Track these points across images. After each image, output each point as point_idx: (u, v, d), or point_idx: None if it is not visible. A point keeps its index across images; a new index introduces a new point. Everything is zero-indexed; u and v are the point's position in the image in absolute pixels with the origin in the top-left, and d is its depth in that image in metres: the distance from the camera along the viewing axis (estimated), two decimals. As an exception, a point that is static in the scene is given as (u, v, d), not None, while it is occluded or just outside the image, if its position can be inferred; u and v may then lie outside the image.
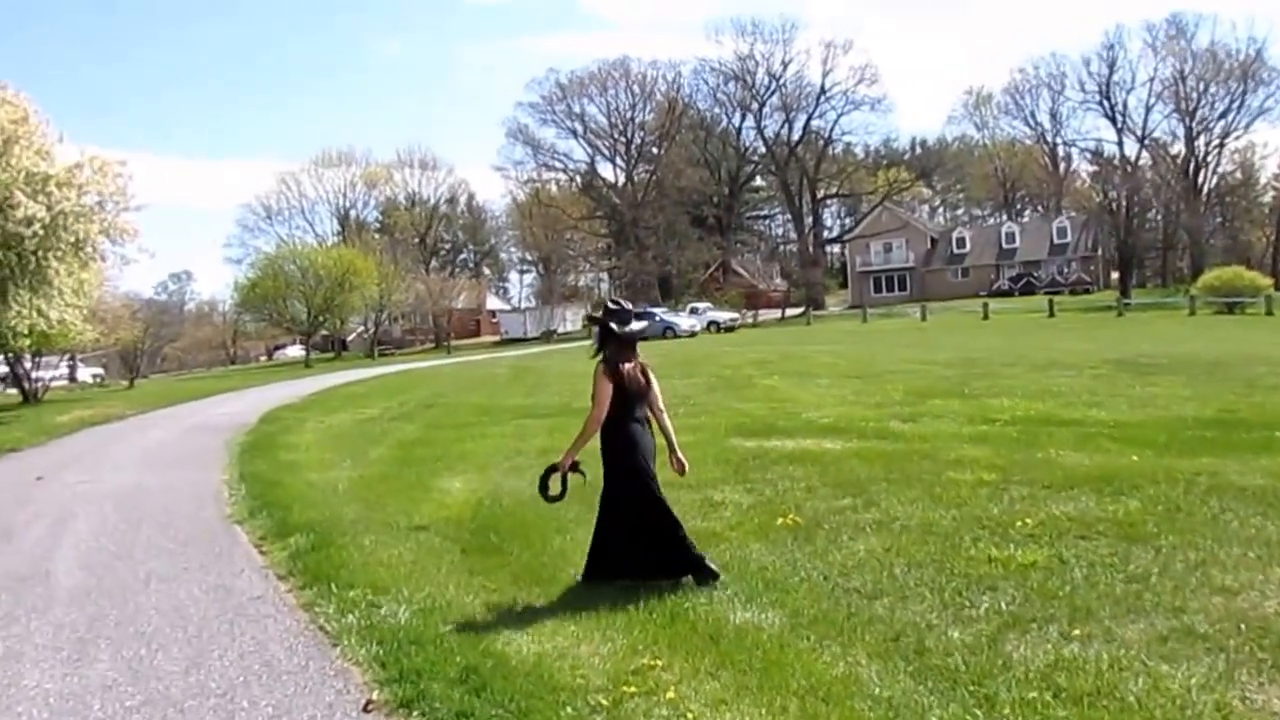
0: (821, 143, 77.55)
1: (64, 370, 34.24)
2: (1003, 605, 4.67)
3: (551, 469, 5.77)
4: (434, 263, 77.22)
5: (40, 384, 27.27)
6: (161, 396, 25.33)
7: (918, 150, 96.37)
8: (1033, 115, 79.24)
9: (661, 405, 5.72)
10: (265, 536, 7.35)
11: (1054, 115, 77.91)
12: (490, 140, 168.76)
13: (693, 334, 48.37)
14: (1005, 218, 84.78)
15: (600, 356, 5.53)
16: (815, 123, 75.98)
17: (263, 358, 71.07)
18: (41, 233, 12.81)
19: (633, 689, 3.97)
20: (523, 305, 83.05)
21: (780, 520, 6.52)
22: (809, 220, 79.35)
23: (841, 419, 11.35)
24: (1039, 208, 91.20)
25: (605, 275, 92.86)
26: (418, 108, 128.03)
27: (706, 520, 6.82)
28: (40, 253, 13.27)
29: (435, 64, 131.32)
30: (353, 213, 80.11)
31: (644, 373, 5.57)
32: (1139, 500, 6.48)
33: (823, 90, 74.02)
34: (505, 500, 7.99)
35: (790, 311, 68.33)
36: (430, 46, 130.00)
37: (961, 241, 76.14)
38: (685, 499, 7.56)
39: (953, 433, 9.80)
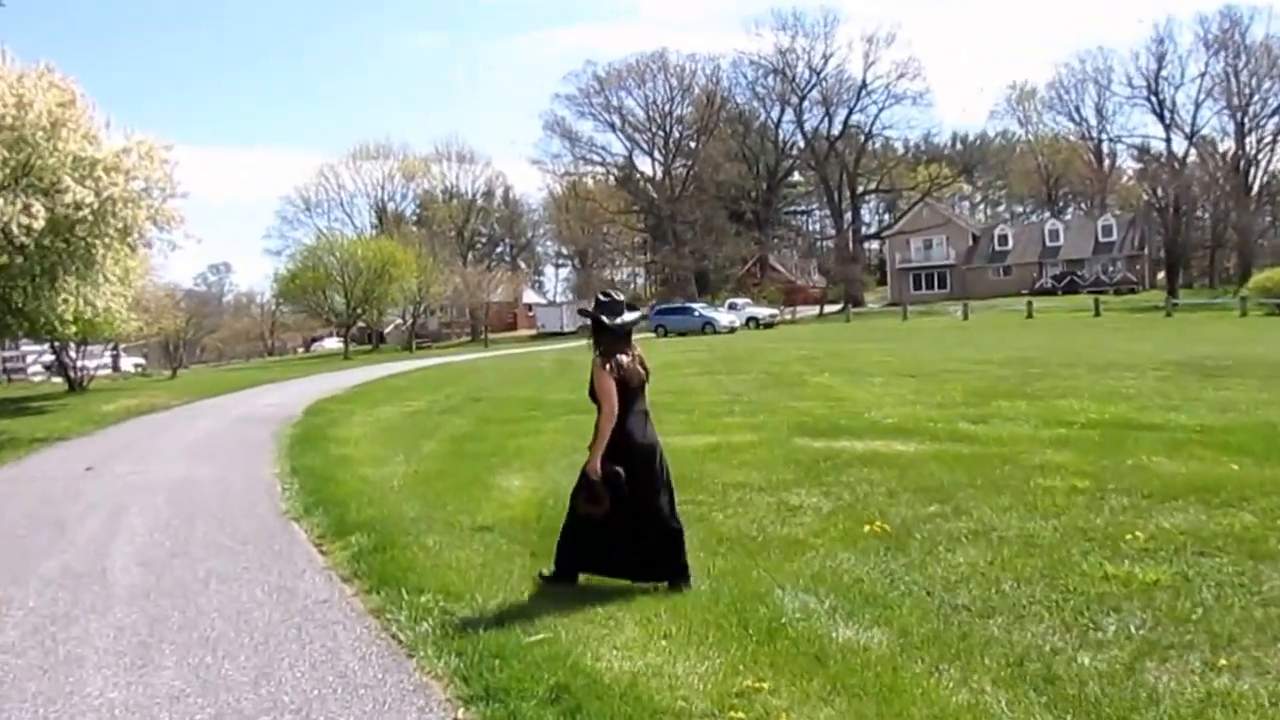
0: (862, 138, 76.69)
1: (107, 359, 34.48)
2: (1132, 628, 4.29)
3: (586, 482, 5.35)
4: (470, 256, 77.31)
5: (85, 373, 27.49)
6: (204, 387, 25.39)
7: (958, 146, 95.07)
8: (1077, 110, 77.95)
9: (646, 405, 5.57)
10: (324, 535, 7.11)
11: (1099, 111, 76.56)
12: (527, 134, 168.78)
13: (732, 329, 47.99)
14: (1048, 215, 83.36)
15: (598, 352, 5.38)
16: (855, 117, 75.27)
17: (300, 349, 71.58)
18: (90, 218, 12.67)
19: (740, 715, 3.64)
20: (558, 299, 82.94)
21: (867, 528, 6.16)
22: (848, 216, 78.52)
23: (907, 420, 10.95)
24: (1082, 205, 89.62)
25: (641, 270, 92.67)
26: (453, 101, 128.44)
27: (787, 526, 6.48)
28: (88, 239, 13.13)
29: (469, 57, 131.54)
30: (390, 205, 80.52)
31: (643, 364, 5.48)
32: (1253, 514, 6.05)
33: (864, 84, 73.26)
34: (567, 500, 7.68)
35: (828, 308, 67.71)
36: (464, 40, 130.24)
37: (1004, 239, 74.76)
38: (760, 501, 7.26)
39: (1029, 436, 9.37)
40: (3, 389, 30.65)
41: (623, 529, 5.25)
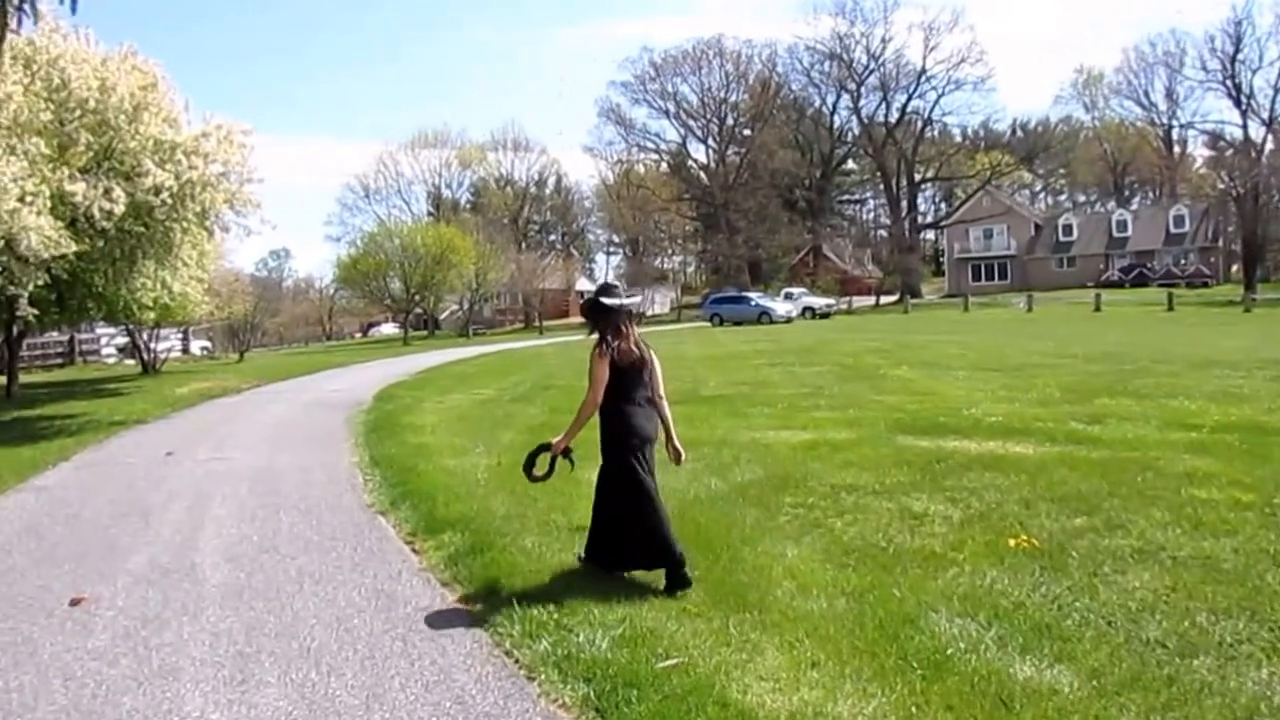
0: (920, 124, 75.03)
1: (175, 342, 34.85)
2: (1370, 674, 3.72)
3: (543, 447, 5.61)
4: (524, 244, 77.32)
5: (157, 355, 27.76)
6: (271, 371, 25.42)
7: (1018, 133, 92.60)
8: (1146, 95, 75.49)
9: (662, 392, 5.49)
10: (415, 532, 6.74)
11: (1170, 96, 74.02)
12: (580, 122, 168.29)
13: (788, 319, 47.14)
14: (1113, 204, 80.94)
15: (596, 339, 5.33)
16: (914, 103, 73.63)
17: (357, 334, 72.26)
18: (169, 202, 12.51)
19: (930, 772, 3.16)
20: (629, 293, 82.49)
21: (1012, 542, 5.61)
22: (904, 204, 76.95)
23: (1013, 418, 10.30)
24: (1150, 194, 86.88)
25: (692, 259, 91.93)
26: (511, 90, 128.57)
27: (916, 537, 5.94)
28: (167, 223, 12.98)
29: (526, 47, 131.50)
30: (446, 193, 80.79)
31: (639, 349, 5.33)
32: None
33: (923, 70, 71.60)
34: (671, 500, 7.18)
35: (884, 299, 66.52)
36: (521, 30, 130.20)
37: (1068, 229, 72.60)
38: (878, 506, 6.74)
39: (1157, 440, 8.68)
40: (79, 370, 31.12)
41: (624, 520, 5.26)
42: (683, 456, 5.74)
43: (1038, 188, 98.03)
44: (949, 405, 11.69)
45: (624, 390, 5.24)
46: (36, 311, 12.42)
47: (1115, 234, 69.56)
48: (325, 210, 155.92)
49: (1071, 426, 9.60)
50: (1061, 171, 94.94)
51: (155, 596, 5.38)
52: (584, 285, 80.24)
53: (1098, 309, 45.76)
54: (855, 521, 6.42)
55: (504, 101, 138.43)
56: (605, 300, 5.35)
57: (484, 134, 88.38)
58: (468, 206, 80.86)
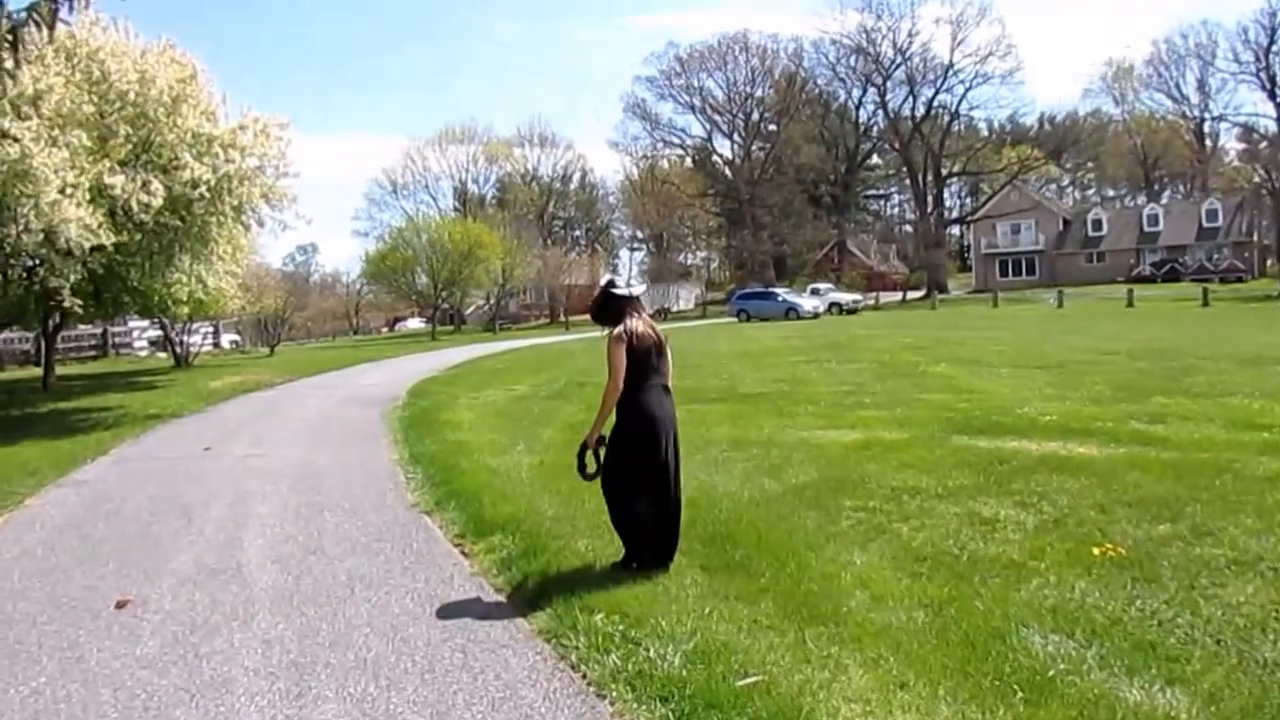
0: (947, 118, 74.12)
1: (205, 335, 34.99)
2: None
3: (584, 447, 5.50)
4: (548, 239, 77.23)
5: (190, 349, 27.83)
6: (302, 365, 25.40)
7: (1046, 127, 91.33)
8: (1178, 88, 74.28)
9: (671, 381, 5.49)
10: (464, 534, 6.54)
11: (1202, 88, 72.78)
12: (603, 118, 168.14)
13: (815, 315, 46.71)
14: (1143, 198, 79.72)
15: (608, 327, 5.33)
16: (941, 97, 72.65)
17: (384, 329, 72.45)
18: (207, 195, 12.38)
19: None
20: (634, 283, 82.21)
21: (1096, 550, 5.32)
22: (931, 200, 76.11)
23: (1068, 418, 9.96)
24: (1180, 188, 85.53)
25: (716, 254, 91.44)
26: (532, 87, 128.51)
27: (990, 544, 5.66)
28: (204, 216, 12.86)
29: (548, 43, 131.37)
30: (473, 188, 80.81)
31: (656, 332, 5.35)
32: None
33: (951, 64, 70.69)
34: (725, 502, 7.00)
35: (911, 294, 65.87)
36: (543, 25, 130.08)
37: (1098, 223, 71.47)
38: (944, 511, 6.46)
39: (1226, 440, 8.33)
40: (112, 363, 31.31)
41: (652, 506, 5.28)
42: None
43: (1065, 182, 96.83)
44: (999, 404, 11.37)
45: (638, 376, 5.20)
46: (80, 301, 12.33)
47: (1146, 229, 68.42)
48: (351, 206, 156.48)
49: (1133, 426, 9.27)
50: (1090, 166, 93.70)
51: (203, 599, 5.20)
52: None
53: (1130, 305, 44.93)
54: (922, 527, 6.15)
55: (529, 97, 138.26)
56: (614, 290, 5.40)
57: (510, 129, 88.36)
58: (493, 202, 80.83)
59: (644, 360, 5.20)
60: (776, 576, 5.29)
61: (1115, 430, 9.05)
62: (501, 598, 5.23)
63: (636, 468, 5.24)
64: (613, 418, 5.38)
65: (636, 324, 5.24)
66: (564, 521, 6.70)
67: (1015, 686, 3.75)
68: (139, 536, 6.62)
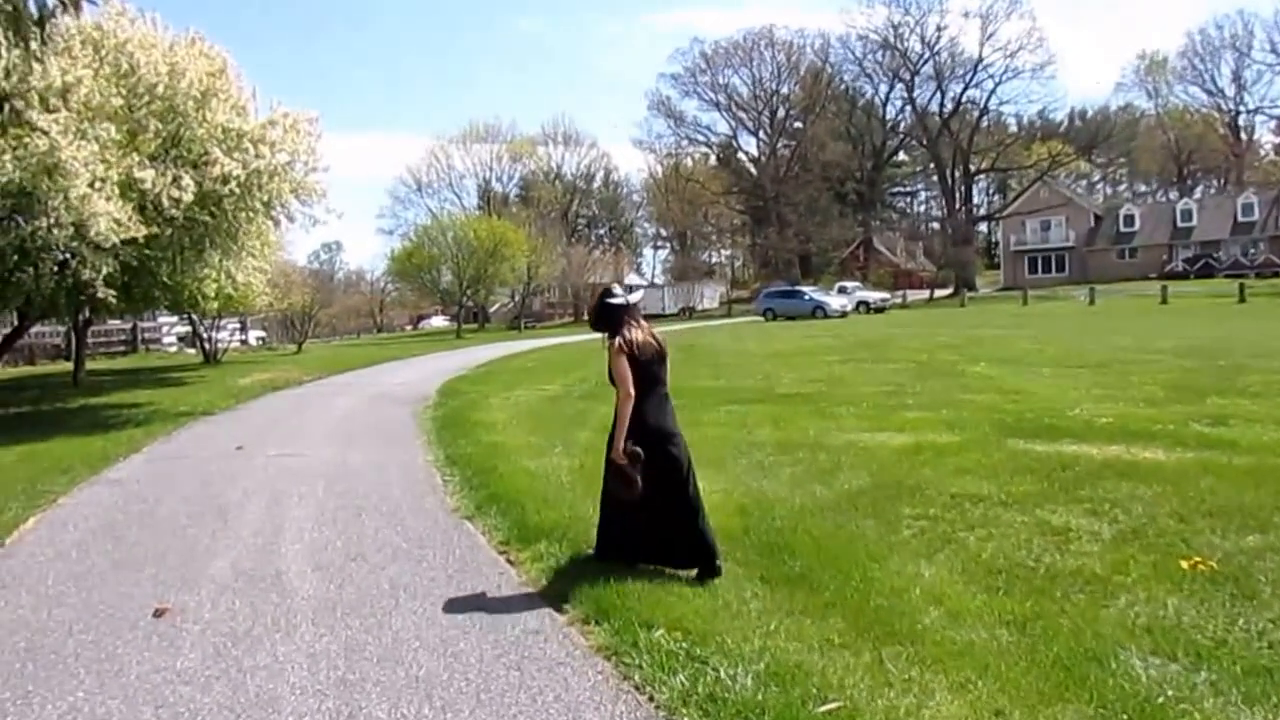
0: (977, 113, 73.26)
1: (233, 331, 35.07)
2: None
3: (616, 466, 5.26)
4: (572, 238, 77.14)
5: (218, 345, 27.85)
6: (330, 362, 25.32)
7: (1076, 122, 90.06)
8: (1213, 81, 73.12)
9: (667, 388, 5.49)
10: (508, 541, 6.28)
11: (1237, 80, 71.61)
12: (627, 115, 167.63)
13: (843, 314, 46.19)
14: (1175, 193, 78.49)
15: (608, 335, 5.31)
16: (970, 92, 71.88)
17: (408, 326, 72.54)
18: (238, 191, 12.22)
19: None
20: (655, 281, 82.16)
21: (1184, 564, 5.00)
22: (960, 196, 75.31)
23: (1125, 420, 9.60)
24: (1215, 183, 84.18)
25: (740, 252, 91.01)
26: (557, 84, 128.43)
27: (1066, 556, 5.35)
28: (234, 212, 12.71)
29: (572, 40, 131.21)
30: (496, 186, 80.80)
31: (657, 340, 5.35)
32: None
33: (980, 58, 69.88)
34: (777, 509, 6.72)
35: (938, 292, 65.22)
36: (567, 22, 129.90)
37: (1130, 219, 70.37)
38: (1010, 519, 6.15)
39: (1300, 446, 7.98)
40: (141, 359, 31.43)
41: (644, 513, 5.20)
42: None
43: (1096, 178, 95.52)
44: (1048, 405, 11.02)
45: (642, 386, 5.18)
46: (114, 293, 12.21)
47: (1179, 224, 67.34)
48: (374, 204, 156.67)
49: (1196, 429, 8.91)
50: (1121, 161, 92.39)
51: (243, 608, 4.98)
52: (634, 280, 79.91)
53: (1164, 301, 44.21)
54: (990, 537, 5.85)
55: (551, 96, 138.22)
56: (611, 300, 5.35)
57: (534, 128, 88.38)
58: (516, 200, 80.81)
59: (646, 369, 5.19)
60: (841, 590, 5.02)
61: (1178, 434, 8.70)
62: (553, 610, 4.97)
63: (652, 473, 5.18)
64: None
65: (636, 333, 5.23)
66: (611, 527, 6.44)
67: (1124, 716, 3.46)
68: (175, 539, 6.42)
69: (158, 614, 4.82)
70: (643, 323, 5.38)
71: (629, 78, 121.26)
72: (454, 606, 5.03)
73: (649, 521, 5.23)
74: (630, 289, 5.63)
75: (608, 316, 5.32)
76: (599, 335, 5.56)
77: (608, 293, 5.46)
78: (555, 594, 5.20)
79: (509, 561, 5.90)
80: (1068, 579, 5.00)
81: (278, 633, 4.64)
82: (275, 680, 4.10)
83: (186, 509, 7.38)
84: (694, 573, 5.23)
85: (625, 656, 4.26)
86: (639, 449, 5.19)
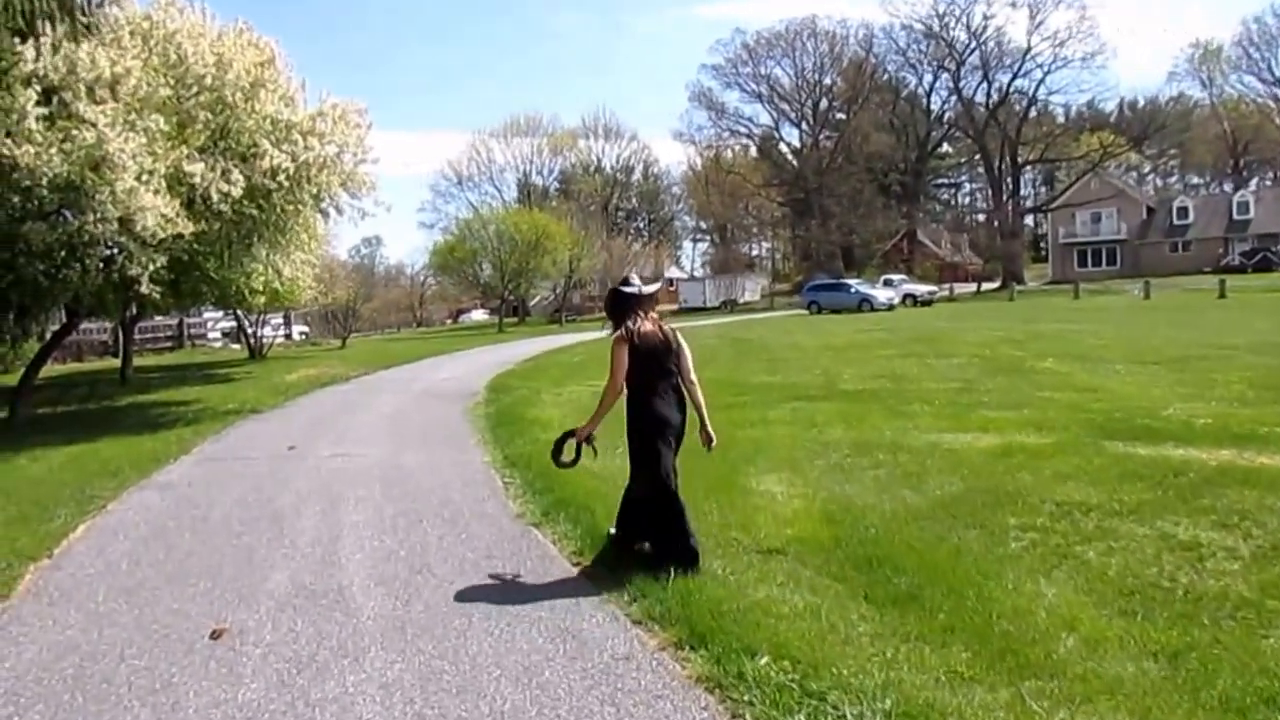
0: (1025, 103, 71.65)
1: (276, 327, 35.09)
2: None
3: (568, 434, 5.66)
4: (612, 231, 76.74)
5: (263, 340, 27.81)
6: (374, 357, 25.13)
7: (1125, 112, 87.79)
8: (1269, 69, 70.84)
9: (693, 377, 5.45)
10: (580, 552, 5.86)
11: (1296, 68, 69.31)
12: (667, 108, 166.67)
13: (890, 307, 45.21)
14: (1230, 185, 76.25)
15: (613, 326, 5.32)
16: (1018, 82, 70.31)
17: (448, 320, 72.61)
18: (286, 184, 11.92)
19: None
20: (695, 274, 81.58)
21: (1354, 590, 4.46)
22: (1007, 188, 73.75)
23: (1226, 421, 8.95)
24: (1271, 174, 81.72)
25: (780, 245, 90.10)
26: (591, 79, 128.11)
27: (1203, 575, 4.82)
28: (282, 205, 12.42)
29: (608, 34, 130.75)
30: (537, 179, 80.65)
31: (664, 333, 5.29)
32: None
33: (1028, 48, 68.33)
34: (868, 517, 6.23)
35: (985, 285, 63.98)
36: (601, 17, 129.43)
37: (1183, 211, 68.45)
38: (1130, 532, 5.60)
39: None
40: (187, 354, 31.53)
41: (650, 505, 5.28)
42: (713, 441, 5.62)
43: (1146, 169, 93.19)
44: (1135, 405, 10.40)
45: (647, 378, 5.17)
46: (161, 289, 11.97)
47: (1236, 216, 65.36)
48: (413, 199, 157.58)
49: (1304, 433, 8.26)
50: (1172, 152, 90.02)
51: (306, 629, 4.60)
52: (675, 273, 79.37)
53: (1222, 295, 42.72)
54: (1111, 551, 5.33)
55: (590, 89, 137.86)
56: (625, 289, 5.36)
57: (574, 120, 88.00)
58: (556, 194, 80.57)
59: (650, 360, 5.16)
60: (957, 611, 4.54)
61: (1286, 437, 8.07)
62: (641, 632, 4.54)
63: (643, 462, 5.27)
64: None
65: (642, 324, 5.21)
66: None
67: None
68: (229, 549, 6.07)
69: (215, 635, 4.45)
70: (654, 315, 5.36)
71: (669, 71, 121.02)
72: (532, 627, 4.61)
73: (650, 517, 5.33)
74: (646, 281, 5.52)
75: (620, 305, 5.31)
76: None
77: (624, 282, 5.46)
78: (640, 613, 4.77)
79: (586, 575, 5.47)
80: (1213, 603, 4.47)
81: (345, 658, 4.24)
82: (347, 716, 3.71)
83: (240, 515, 7.04)
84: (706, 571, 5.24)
85: (731, 690, 3.81)
86: (595, 447, 5.65)
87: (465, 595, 5.09)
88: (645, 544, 5.44)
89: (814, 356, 18.18)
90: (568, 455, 5.64)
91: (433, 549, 6.01)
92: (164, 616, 4.76)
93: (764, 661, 4.04)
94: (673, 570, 5.08)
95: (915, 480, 7.23)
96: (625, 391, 5.27)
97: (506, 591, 5.15)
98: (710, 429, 5.54)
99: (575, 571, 5.53)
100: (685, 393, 5.42)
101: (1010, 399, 11.33)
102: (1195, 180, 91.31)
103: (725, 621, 4.49)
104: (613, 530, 5.75)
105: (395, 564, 5.68)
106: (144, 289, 11.28)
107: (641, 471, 5.32)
